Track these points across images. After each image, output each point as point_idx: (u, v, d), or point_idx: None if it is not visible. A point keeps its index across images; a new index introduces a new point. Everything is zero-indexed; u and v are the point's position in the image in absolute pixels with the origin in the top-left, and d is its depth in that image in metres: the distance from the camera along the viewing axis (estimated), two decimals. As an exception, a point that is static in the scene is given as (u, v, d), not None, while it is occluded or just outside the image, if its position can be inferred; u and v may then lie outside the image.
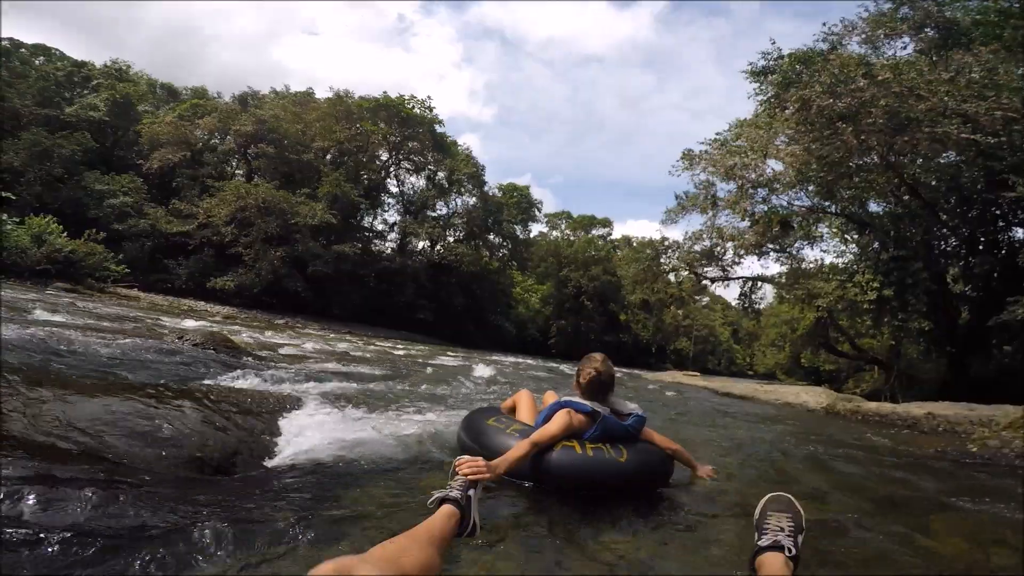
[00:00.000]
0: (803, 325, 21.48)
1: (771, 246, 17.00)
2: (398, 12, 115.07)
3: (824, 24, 13.25)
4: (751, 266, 26.41)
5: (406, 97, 31.08)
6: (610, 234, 44.99)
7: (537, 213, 37.27)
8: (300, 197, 28.25)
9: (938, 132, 9.65)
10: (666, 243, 26.54)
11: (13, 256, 18.21)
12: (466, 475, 1.71)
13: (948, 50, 11.11)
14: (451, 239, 35.02)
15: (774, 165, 15.14)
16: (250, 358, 5.62)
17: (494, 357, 19.53)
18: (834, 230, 15.37)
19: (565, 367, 17.54)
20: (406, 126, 31.94)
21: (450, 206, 34.79)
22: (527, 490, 2.23)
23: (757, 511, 1.65)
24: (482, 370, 9.46)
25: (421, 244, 35.08)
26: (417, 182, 34.26)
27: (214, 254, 28.62)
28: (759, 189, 15.41)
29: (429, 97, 31.71)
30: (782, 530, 1.52)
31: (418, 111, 31.59)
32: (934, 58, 11.06)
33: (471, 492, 1.66)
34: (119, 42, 65.56)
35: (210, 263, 28.56)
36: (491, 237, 36.26)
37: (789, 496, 1.67)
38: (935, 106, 9.54)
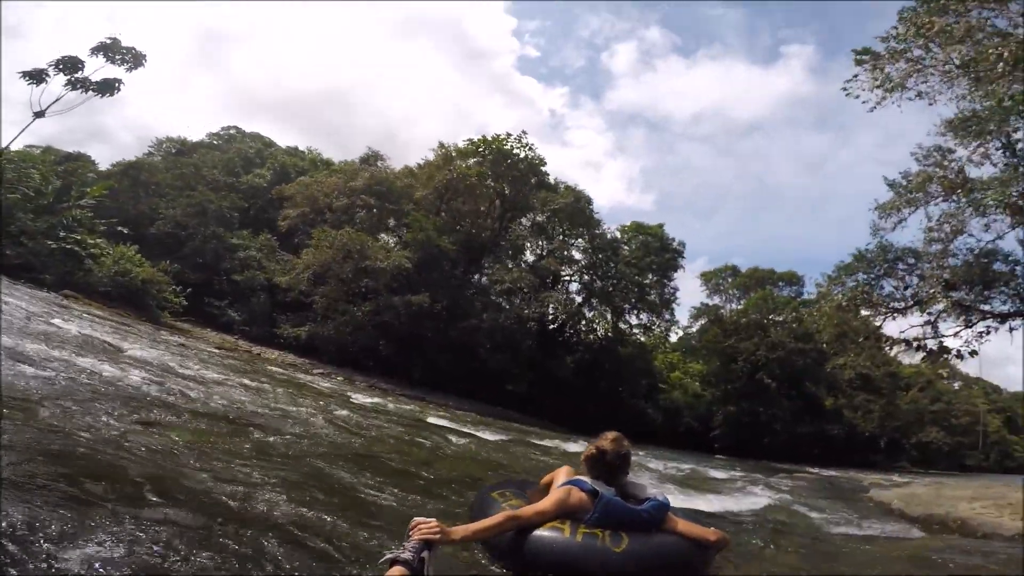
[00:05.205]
0: None
1: None
2: (549, 108, 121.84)
3: None
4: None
5: (501, 136, 27.86)
6: (800, 293, 31.55)
7: (680, 261, 28.04)
8: (383, 243, 26.43)
9: None
10: (888, 254, 16.08)
11: (87, 277, 19.60)
12: (420, 538, 1.69)
13: None
14: (562, 297, 28.58)
15: None
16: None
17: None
18: None
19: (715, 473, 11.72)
20: (511, 169, 28.46)
21: (555, 255, 28.70)
22: None
23: None
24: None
25: (527, 306, 29.44)
26: (522, 232, 29.57)
27: (317, 306, 28.40)
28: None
29: (524, 132, 27.71)
30: None
31: (518, 151, 27.87)
32: None
33: (424, 554, 1.64)
34: (346, 144, 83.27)
35: (316, 315, 28.29)
36: (615, 296, 28.44)
37: None
38: None
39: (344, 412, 8.10)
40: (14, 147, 28.01)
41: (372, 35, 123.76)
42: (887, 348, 17.26)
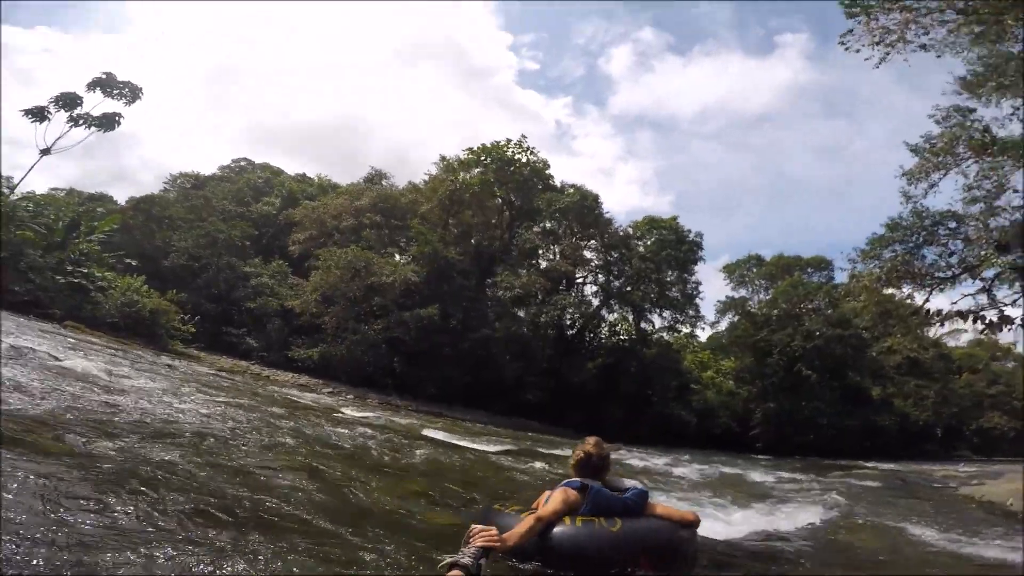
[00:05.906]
0: None
1: None
2: (554, 119, 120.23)
3: None
4: None
5: (501, 143, 27.27)
6: (830, 278, 29.57)
7: (698, 253, 26.63)
8: (389, 259, 25.98)
9: None
10: (926, 220, 15.18)
11: (95, 309, 19.58)
12: (480, 544, 1.80)
13: None
14: (577, 300, 27.51)
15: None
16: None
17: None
18: None
19: (760, 478, 10.24)
20: (515, 175, 27.84)
21: (565, 256, 27.70)
22: None
23: None
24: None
25: (542, 313, 28.47)
26: (530, 236, 28.72)
27: (327, 326, 28.02)
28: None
29: (524, 136, 27.14)
30: None
31: (519, 156, 27.22)
32: None
33: (483, 561, 1.76)
34: (357, 171, 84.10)
35: (327, 336, 27.94)
36: (633, 295, 27.20)
37: None
38: None
39: (327, 428, 7.24)
40: (38, 190, 28.86)
41: (375, 63, 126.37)
42: (937, 324, 15.65)
